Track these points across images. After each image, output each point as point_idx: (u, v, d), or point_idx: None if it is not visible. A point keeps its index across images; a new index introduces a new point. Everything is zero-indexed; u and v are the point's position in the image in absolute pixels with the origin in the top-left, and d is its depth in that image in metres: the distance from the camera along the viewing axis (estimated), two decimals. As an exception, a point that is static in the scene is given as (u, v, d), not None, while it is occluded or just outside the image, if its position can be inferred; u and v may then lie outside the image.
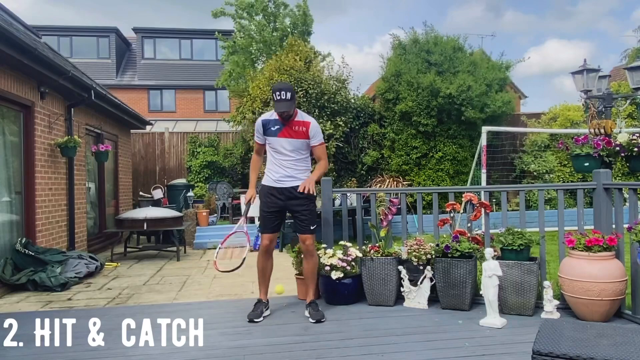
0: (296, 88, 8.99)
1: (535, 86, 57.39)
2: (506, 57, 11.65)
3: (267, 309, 3.94)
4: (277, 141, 3.87)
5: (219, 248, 3.99)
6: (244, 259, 3.84)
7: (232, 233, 4.05)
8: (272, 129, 3.88)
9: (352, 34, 73.83)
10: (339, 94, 9.57)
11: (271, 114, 3.94)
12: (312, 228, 3.93)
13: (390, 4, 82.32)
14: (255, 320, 3.76)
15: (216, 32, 15.09)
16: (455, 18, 60.99)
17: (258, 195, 4.10)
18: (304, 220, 3.91)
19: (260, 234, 4.05)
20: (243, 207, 4.13)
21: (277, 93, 3.72)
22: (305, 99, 9.05)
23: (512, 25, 59.10)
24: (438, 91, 9.09)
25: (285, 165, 3.88)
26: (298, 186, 3.85)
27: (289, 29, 12.84)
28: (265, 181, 3.98)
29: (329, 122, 9.12)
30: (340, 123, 9.28)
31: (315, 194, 3.93)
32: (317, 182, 4.20)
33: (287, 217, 4.77)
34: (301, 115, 3.92)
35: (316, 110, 9.12)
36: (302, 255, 4.13)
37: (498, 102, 9.20)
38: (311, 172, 4.03)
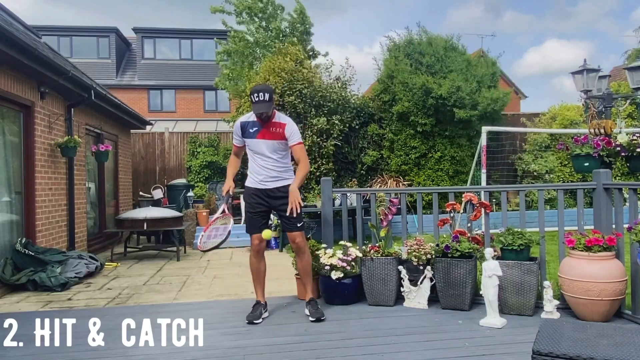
0: (289, 89, 9.00)
1: (535, 86, 57.45)
2: (491, 53, 11.66)
3: (265, 311, 3.93)
4: (256, 143, 3.86)
5: (202, 235, 3.89)
6: (227, 236, 3.77)
7: (213, 221, 3.93)
8: (251, 130, 3.87)
9: (352, 35, 73.95)
10: (334, 92, 9.56)
11: (249, 116, 3.92)
12: (299, 225, 3.93)
13: (390, 5, 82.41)
14: (255, 322, 3.75)
15: (215, 39, 15.06)
16: (455, 19, 61.07)
17: (242, 197, 4.09)
18: (290, 218, 3.90)
19: (249, 235, 4.04)
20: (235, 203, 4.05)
21: (255, 94, 3.72)
22: (300, 99, 9.06)
23: (512, 26, 59.17)
24: (430, 91, 9.11)
25: (267, 167, 3.88)
26: (282, 186, 3.88)
27: (287, 30, 12.84)
28: (249, 183, 3.98)
29: (325, 118, 9.11)
30: (336, 121, 9.26)
31: (302, 203, 3.88)
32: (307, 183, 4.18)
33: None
34: (279, 117, 3.91)
35: (312, 110, 9.13)
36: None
37: (487, 100, 9.19)
38: (293, 171, 4.00)
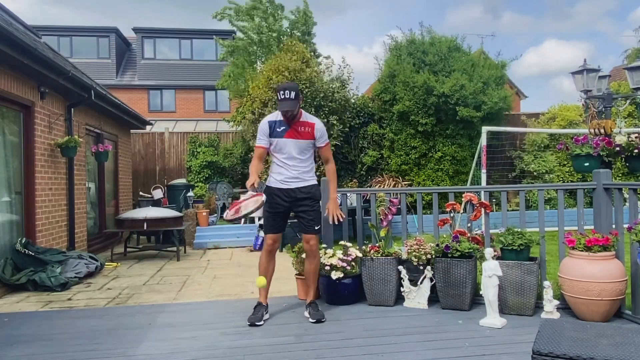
0: None
1: (534, 86, 57.48)
2: (502, 56, 11.67)
3: (267, 312, 3.91)
4: (284, 142, 3.83)
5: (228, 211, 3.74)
6: (260, 205, 3.60)
7: (242, 201, 3.75)
8: (278, 129, 3.84)
9: (352, 35, 74.02)
10: (337, 92, 9.55)
11: (276, 115, 3.89)
12: (316, 228, 3.94)
13: (390, 5, 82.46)
14: (257, 324, 3.73)
15: (215, 37, 15.03)
16: (454, 19, 61.13)
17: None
18: (310, 220, 3.90)
19: (264, 234, 4.04)
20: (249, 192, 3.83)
21: (282, 92, 3.69)
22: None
23: (511, 26, 59.20)
24: (432, 89, 9.11)
25: (291, 166, 3.85)
26: (303, 187, 3.86)
27: (289, 29, 12.84)
28: (270, 182, 3.96)
29: (324, 119, 9.12)
30: (334, 121, 9.24)
31: (343, 215, 4.14)
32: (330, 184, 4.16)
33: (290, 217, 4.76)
34: (306, 116, 3.90)
35: (313, 110, 9.13)
36: (305, 255, 4.11)
37: (494, 98, 9.20)
38: (315, 171, 4.03)
